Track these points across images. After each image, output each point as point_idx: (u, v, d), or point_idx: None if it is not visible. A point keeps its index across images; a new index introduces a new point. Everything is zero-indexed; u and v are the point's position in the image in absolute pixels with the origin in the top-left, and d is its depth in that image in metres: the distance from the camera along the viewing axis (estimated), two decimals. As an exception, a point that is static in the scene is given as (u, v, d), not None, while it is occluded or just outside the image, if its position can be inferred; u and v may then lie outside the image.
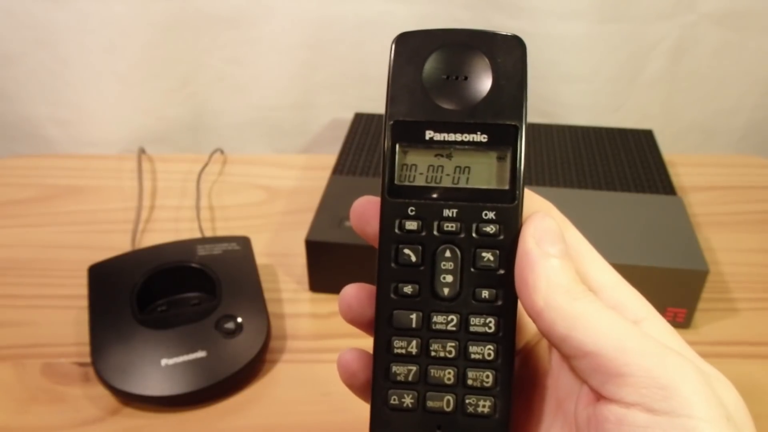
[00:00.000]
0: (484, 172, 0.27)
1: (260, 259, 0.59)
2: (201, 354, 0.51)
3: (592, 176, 0.65)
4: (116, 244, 0.64)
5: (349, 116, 0.77)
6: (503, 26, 0.77)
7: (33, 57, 0.78)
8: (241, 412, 0.50)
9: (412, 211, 0.27)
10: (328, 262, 0.58)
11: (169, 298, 0.56)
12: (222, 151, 0.78)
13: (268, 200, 0.72)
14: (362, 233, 0.29)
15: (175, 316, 0.54)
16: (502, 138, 0.26)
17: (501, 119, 0.26)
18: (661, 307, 0.55)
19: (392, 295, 0.27)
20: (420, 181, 0.27)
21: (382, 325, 0.27)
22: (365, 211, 0.28)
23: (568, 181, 0.65)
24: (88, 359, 0.51)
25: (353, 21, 0.78)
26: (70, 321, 0.56)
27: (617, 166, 0.67)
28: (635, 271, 0.54)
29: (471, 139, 0.27)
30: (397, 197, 0.27)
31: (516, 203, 0.26)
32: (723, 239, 0.66)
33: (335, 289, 0.60)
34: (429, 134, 0.27)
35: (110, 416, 0.49)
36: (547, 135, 0.72)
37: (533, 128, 0.73)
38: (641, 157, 0.68)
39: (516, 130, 0.26)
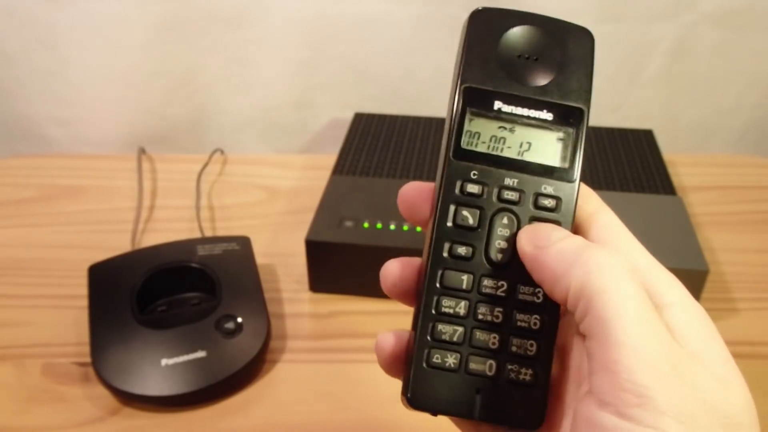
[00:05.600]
0: (546, 149, 0.28)
1: (260, 259, 0.59)
2: (201, 354, 0.51)
3: (592, 176, 0.65)
4: (116, 244, 0.64)
5: (348, 116, 0.77)
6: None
7: (33, 57, 0.78)
8: (241, 412, 0.50)
9: (474, 174, 0.28)
10: (328, 262, 0.58)
11: (169, 298, 0.56)
12: (222, 151, 0.78)
13: (268, 200, 0.72)
14: (411, 219, 0.29)
15: (175, 316, 0.54)
16: (567, 118, 0.28)
17: (569, 101, 0.28)
18: (661, 307, 0.55)
19: (445, 255, 0.27)
20: (483, 149, 0.28)
21: (432, 283, 0.27)
22: (416, 199, 0.29)
23: (568, 181, 0.65)
24: (88, 359, 0.51)
25: (353, 21, 0.78)
26: (70, 321, 0.56)
27: (617, 166, 0.67)
28: (635, 271, 0.54)
29: (537, 116, 0.28)
30: (461, 160, 0.28)
31: (575, 182, 0.28)
32: (723, 239, 0.66)
33: (335, 289, 0.61)
34: (498, 105, 0.28)
35: (110, 416, 0.49)
36: (547, 135, 0.72)
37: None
38: (641, 156, 0.68)
39: (582, 113, 0.28)
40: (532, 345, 0.27)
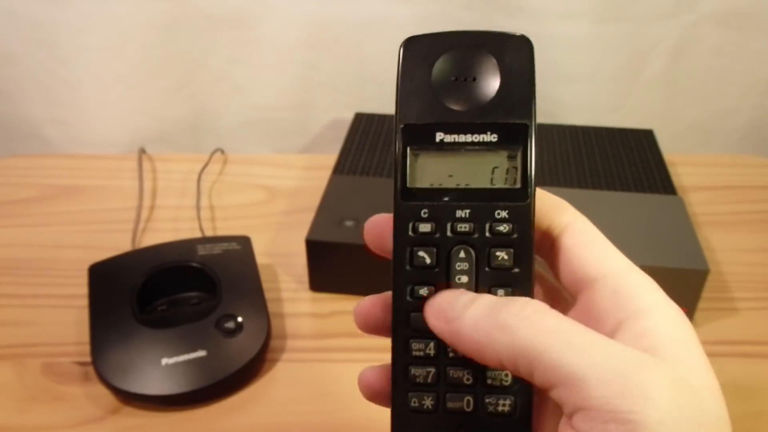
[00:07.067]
0: (494, 172, 0.27)
1: (260, 259, 0.59)
2: (201, 353, 0.51)
3: (592, 176, 0.65)
4: (116, 243, 0.64)
5: (349, 116, 0.77)
6: (503, 26, 0.77)
7: (33, 57, 0.78)
8: (241, 411, 0.50)
9: (425, 213, 0.27)
10: (329, 262, 0.58)
11: (169, 298, 0.56)
12: (222, 151, 0.78)
13: (268, 200, 0.72)
14: (380, 251, 0.29)
15: (175, 315, 0.54)
16: (513, 137, 0.27)
17: (511, 118, 0.27)
18: (662, 307, 0.55)
19: (408, 298, 0.27)
20: (432, 184, 0.27)
21: (399, 328, 0.27)
22: (382, 230, 0.28)
23: (569, 181, 0.65)
24: (88, 358, 0.51)
25: (353, 21, 0.78)
26: (70, 320, 0.56)
27: (618, 166, 0.67)
28: (635, 271, 0.54)
29: (481, 140, 0.27)
30: (409, 200, 0.27)
31: (528, 201, 0.27)
32: (723, 239, 0.66)
33: (335, 289, 0.61)
34: (439, 136, 0.27)
35: (110, 415, 0.49)
36: (548, 135, 0.72)
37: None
38: (642, 156, 0.68)
39: (526, 128, 0.26)
40: (506, 375, 0.26)
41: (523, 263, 0.27)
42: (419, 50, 0.27)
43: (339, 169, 0.66)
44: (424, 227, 0.27)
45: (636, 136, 0.72)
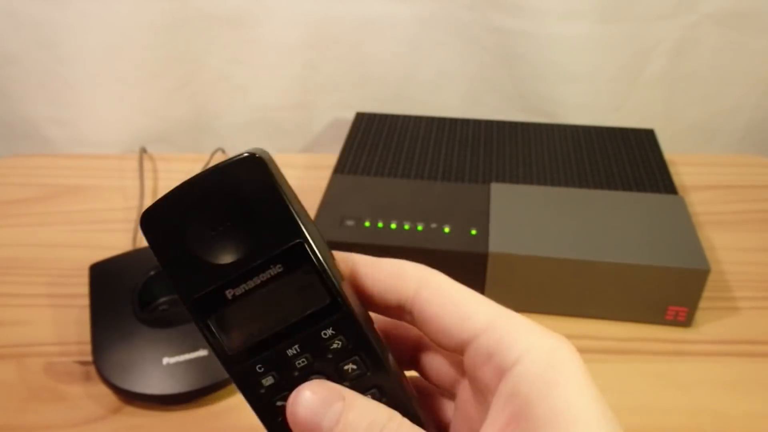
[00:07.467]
0: (300, 299, 0.26)
1: (261, 259, 0.59)
2: (202, 353, 0.50)
3: (593, 176, 0.65)
4: (117, 243, 0.64)
5: (350, 116, 0.77)
6: (504, 26, 0.77)
7: (33, 57, 0.78)
8: (242, 410, 0.50)
9: (260, 368, 0.26)
10: (329, 262, 0.58)
11: (170, 297, 0.56)
12: (223, 151, 0.78)
13: (269, 200, 0.72)
14: None
15: (176, 314, 0.54)
16: (296, 259, 0.25)
17: (283, 243, 0.25)
18: (663, 306, 0.55)
19: None
20: (251, 339, 0.26)
21: None
22: None
23: (569, 181, 0.65)
24: (89, 358, 0.51)
25: (353, 21, 0.79)
26: (71, 320, 0.56)
27: (618, 166, 0.67)
28: (636, 271, 0.54)
29: (270, 275, 0.25)
30: (239, 365, 0.26)
31: (344, 309, 0.25)
32: (724, 238, 0.66)
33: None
34: (230, 293, 0.25)
35: (112, 415, 0.49)
36: (548, 135, 0.72)
37: (534, 128, 0.73)
38: (642, 156, 0.68)
39: (302, 245, 0.25)
40: None
41: (375, 362, 0.26)
42: (162, 221, 0.25)
43: (340, 168, 0.66)
44: (268, 380, 0.26)
45: (637, 135, 0.72)
